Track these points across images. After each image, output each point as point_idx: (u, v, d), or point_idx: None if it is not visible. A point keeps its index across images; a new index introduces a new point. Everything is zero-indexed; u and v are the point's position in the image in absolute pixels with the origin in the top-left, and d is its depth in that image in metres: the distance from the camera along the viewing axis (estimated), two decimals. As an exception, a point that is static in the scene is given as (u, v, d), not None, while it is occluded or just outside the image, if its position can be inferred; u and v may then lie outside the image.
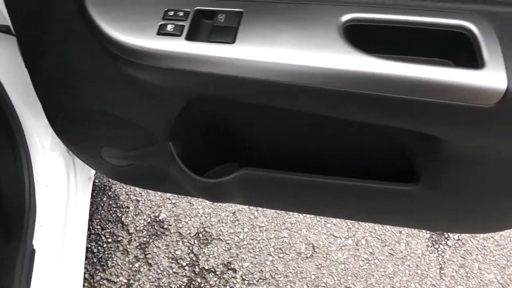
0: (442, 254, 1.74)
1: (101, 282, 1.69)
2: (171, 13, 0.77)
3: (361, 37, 0.75)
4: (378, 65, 0.71)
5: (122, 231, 1.79)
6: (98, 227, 1.80)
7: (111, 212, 1.83)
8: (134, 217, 1.82)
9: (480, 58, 0.70)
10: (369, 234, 1.77)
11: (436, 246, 1.76)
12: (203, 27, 0.78)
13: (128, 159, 1.11)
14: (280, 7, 0.77)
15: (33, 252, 1.28)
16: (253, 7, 0.77)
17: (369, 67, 0.71)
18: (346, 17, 0.75)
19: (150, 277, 1.70)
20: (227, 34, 0.75)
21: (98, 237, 1.78)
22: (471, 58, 0.71)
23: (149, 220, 1.81)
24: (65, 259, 1.37)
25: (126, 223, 1.81)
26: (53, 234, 1.35)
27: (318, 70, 0.73)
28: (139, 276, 1.70)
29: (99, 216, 1.82)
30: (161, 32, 0.76)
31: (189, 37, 0.76)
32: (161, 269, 1.71)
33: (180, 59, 0.76)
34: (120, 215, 1.83)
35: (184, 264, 1.72)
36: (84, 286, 1.69)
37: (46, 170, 1.35)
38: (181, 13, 0.77)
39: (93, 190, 1.88)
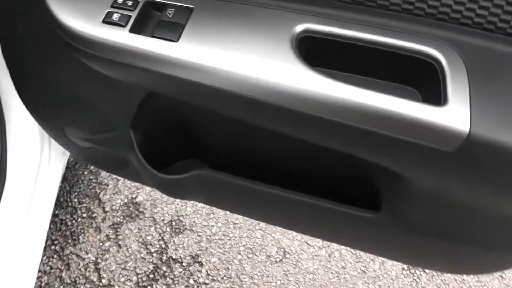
0: (417, 280, 1.65)
1: (70, 257, 1.70)
2: (120, 1, 0.73)
3: (318, 50, 0.69)
4: (326, 85, 0.64)
5: (98, 208, 1.78)
6: (76, 200, 1.80)
7: (90, 187, 1.82)
8: (112, 196, 1.81)
9: (444, 93, 0.62)
10: (344, 247, 1.70)
11: (412, 271, 1.67)
12: (151, 20, 0.73)
13: (89, 142, 1.09)
14: (233, 8, 0.72)
15: None
16: (206, 4, 0.72)
17: (316, 86, 0.65)
18: (301, 27, 0.68)
19: (117, 258, 1.69)
20: (172, 31, 0.70)
21: (74, 211, 1.78)
22: (436, 90, 0.64)
23: (126, 200, 1.80)
24: (29, 230, 1.37)
25: (103, 201, 1.80)
26: (20, 203, 1.35)
27: (258, 82, 0.67)
28: (107, 256, 1.69)
29: (78, 189, 1.82)
30: (106, 20, 0.72)
31: (134, 29, 0.71)
32: (130, 252, 1.70)
33: (122, 51, 0.72)
34: (98, 191, 1.82)
35: (152, 250, 1.70)
36: (53, 257, 1.70)
37: (20, 138, 1.34)
38: (130, 2, 0.72)
39: (75, 163, 1.88)
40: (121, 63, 0.74)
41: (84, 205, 1.79)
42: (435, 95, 0.64)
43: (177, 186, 1.00)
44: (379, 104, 0.63)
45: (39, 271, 1.66)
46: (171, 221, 1.75)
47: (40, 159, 1.40)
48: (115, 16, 0.72)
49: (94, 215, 1.77)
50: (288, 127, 0.73)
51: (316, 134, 0.71)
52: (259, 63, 0.67)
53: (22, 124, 1.33)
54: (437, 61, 0.64)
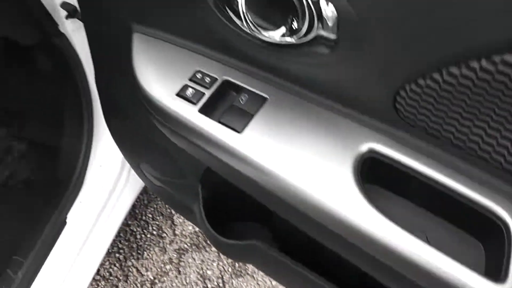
0: None
1: (130, 269, 1.71)
2: (199, 75, 0.72)
3: (382, 171, 0.64)
4: (381, 225, 0.59)
5: (168, 229, 1.80)
6: (150, 216, 1.83)
7: (166, 206, 1.84)
8: (185, 221, 1.81)
9: (507, 265, 0.55)
10: None
11: None
12: (224, 100, 0.71)
13: (160, 181, 1.11)
14: (305, 108, 0.67)
15: (63, 224, 1.33)
16: (280, 97, 0.69)
17: (370, 223, 0.60)
18: (366, 146, 0.63)
19: (174, 284, 1.68)
20: (239, 120, 0.68)
21: (145, 225, 1.80)
22: (501, 252, 0.57)
23: (197, 229, 1.80)
24: (93, 240, 1.40)
25: (175, 223, 1.81)
26: (90, 214, 1.39)
27: (309, 197, 0.63)
28: (165, 278, 1.69)
29: (155, 206, 1.85)
30: (180, 94, 0.71)
31: (203, 110, 0.70)
32: (187, 281, 1.69)
33: (187, 128, 0.71)
34: (173, 213, 1.83)
35: (209, 286, 1.68)
36: (115, 265, 1.72)
37: (105, 152, 1.39)
38: (208, 79, 0.71)
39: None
40: (185, 137, 0.73)
41: (157, 222, 1.81)
42: (499, 257, 0.56)
43: (233, 250, 0.99)
44: (433, 263, 0.56)
45: (99, 275, 1.69)
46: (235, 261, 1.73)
47: (120, 173, 1.44)
48: (189, 92, 0.71)
49: (164, 235, 1.78)
50: (334, 247, 0.68)
51: (364, 264, 0.66)
52: (315, 178, 0.63)
53: (108, 140, 1.37)
54: (505, 225, 0.57)
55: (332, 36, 0.57)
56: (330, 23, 0.56)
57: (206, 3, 0.64)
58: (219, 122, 0.68)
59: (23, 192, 1.59)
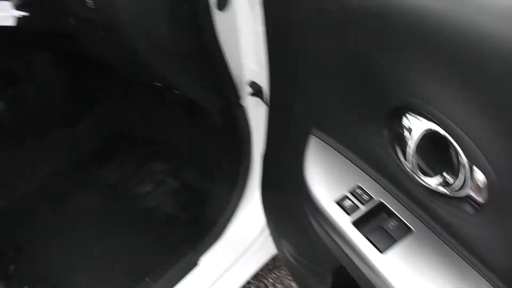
0: None
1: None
2: (359, 191, 0.79)
3: None
4: None
5: (284, 299, 1.81)
6: (271, 281, 1.86)
7: (288, 278, 1.87)
8: (302, 297, 1.81)
9: None
10: None
11: None
12: (375, 219, 0.77)
13: (294, 259, 1.17)
14: (444, 250, 0.71)
15: (195, 264, 1.43)
16: (424, 232, 0.73)
17: None
18: None
19: None
20: (384, 242, 0.74)
21: (264, 288, 1.84)
22: None
23: (311, 309, 1.78)
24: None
25: (292, 296, 1.82)
26: (220, 264, 1.46)
27: None
28: None
29: (278, 273, 1.88)
30: (339, 202, 0.79)
31: (356, 223, 0.77)
32: None
33: (338, 234, 0.78)
34: (293, 286, 1.84)
35: None
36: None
37: (250, 214, 1.47)
38: (365, 196, 0.78)
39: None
40: (333, 239, 0.80)
41: (275, 289, 1.84)
42: None
43: None
44: None
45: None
46: None
47: (257, 237, 1.51)
48: (347, 203, 0.78)
49: (277, 304, 1.80)
50: None
51: None
52: None
53: (256, 205, 1.46)
54: None
55: (480, 199, 0.59)
56: (481, 186, 0.58)
57: (382, 135, 0.70)
58: (366, 237, 0.75)
59: (166, 224, 1.73)
